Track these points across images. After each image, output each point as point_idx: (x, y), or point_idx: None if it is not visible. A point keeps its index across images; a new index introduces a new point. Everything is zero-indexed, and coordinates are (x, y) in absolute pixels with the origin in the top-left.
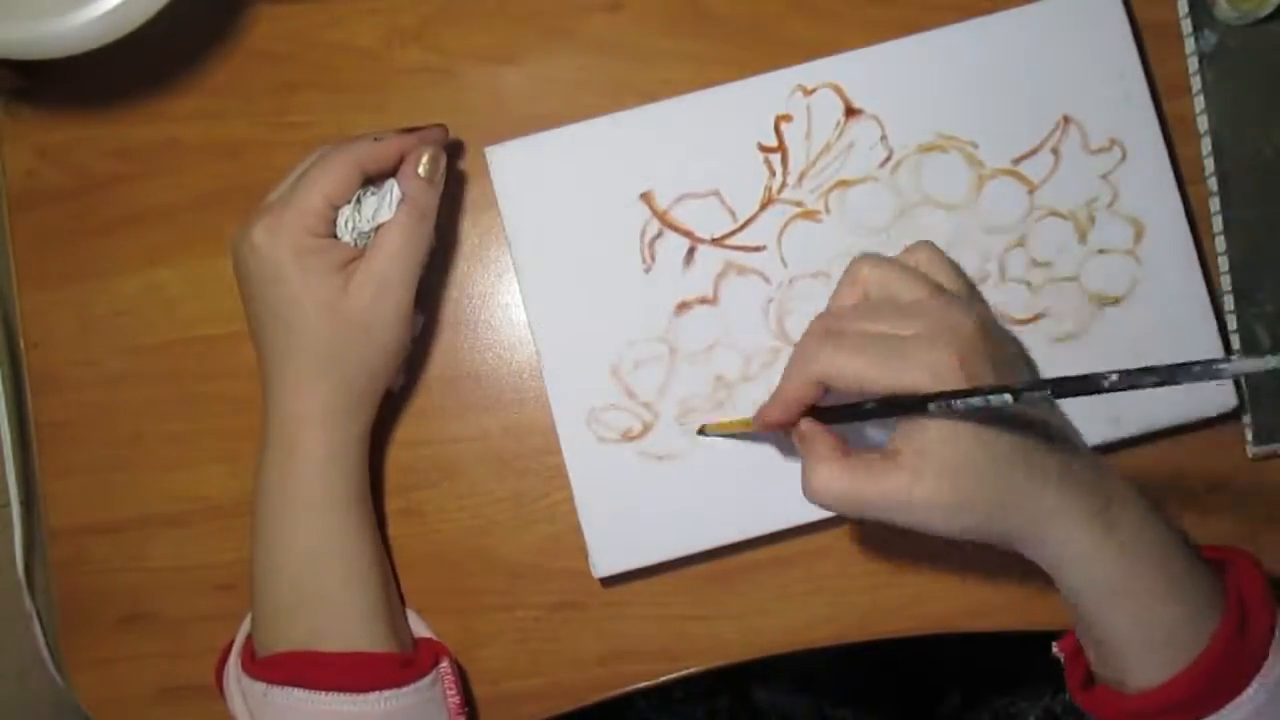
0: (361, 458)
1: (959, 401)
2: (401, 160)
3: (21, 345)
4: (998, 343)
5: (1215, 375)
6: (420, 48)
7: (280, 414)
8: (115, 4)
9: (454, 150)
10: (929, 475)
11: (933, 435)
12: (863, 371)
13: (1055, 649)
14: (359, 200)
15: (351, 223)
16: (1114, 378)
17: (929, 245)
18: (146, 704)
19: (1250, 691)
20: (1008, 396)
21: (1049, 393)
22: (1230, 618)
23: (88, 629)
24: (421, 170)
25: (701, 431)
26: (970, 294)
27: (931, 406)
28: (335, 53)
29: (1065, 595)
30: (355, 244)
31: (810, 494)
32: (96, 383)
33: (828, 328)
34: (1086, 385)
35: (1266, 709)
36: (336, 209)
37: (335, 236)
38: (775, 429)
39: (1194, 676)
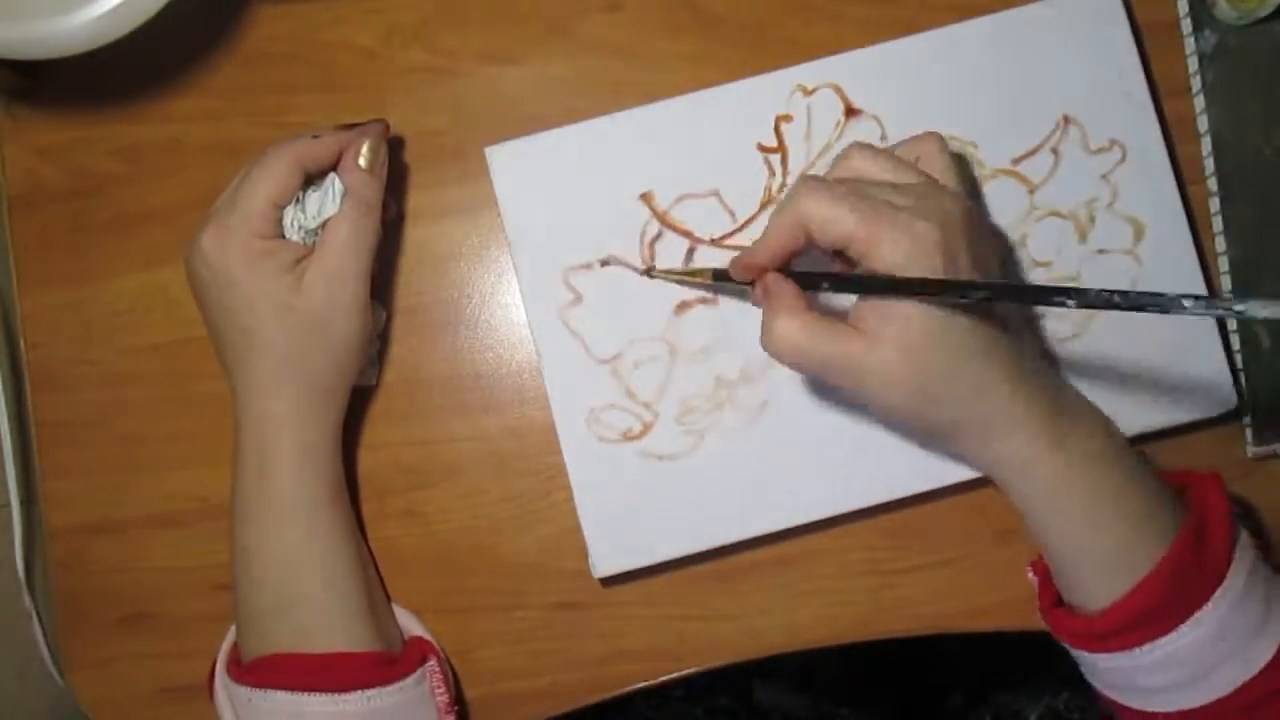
0: (335, 457)
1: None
2: (341, 155)
3: (21, 345)
4: (980, 234)
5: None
6: (420, 48)
7: (249, 418)
8: (115, 4)
9: (395, 143)
10: (886, 345)
11: (897, 309)
12: (846, 221)
13: (1029, 572)
14: (302, 199)
15: (297, 221)
16: (1093, 294)
17: (936, 139)
18: (146, 704)
19: (1207, 609)
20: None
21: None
22: (1185, 536)
23: (87, 629)
24: (362, 161)
25: (648, 272)
26: (964, 190)
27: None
28: (335, 53)
29: (1016, 507)
30: (304, 242)
31: (770, 344)
32: (96, 383)
33: (823, 179)
34: (1065, 295)
35: (1226, 626)
36: (281, 209)
37: (283, 237)
38: (751, 274)
39: (1145, 594)
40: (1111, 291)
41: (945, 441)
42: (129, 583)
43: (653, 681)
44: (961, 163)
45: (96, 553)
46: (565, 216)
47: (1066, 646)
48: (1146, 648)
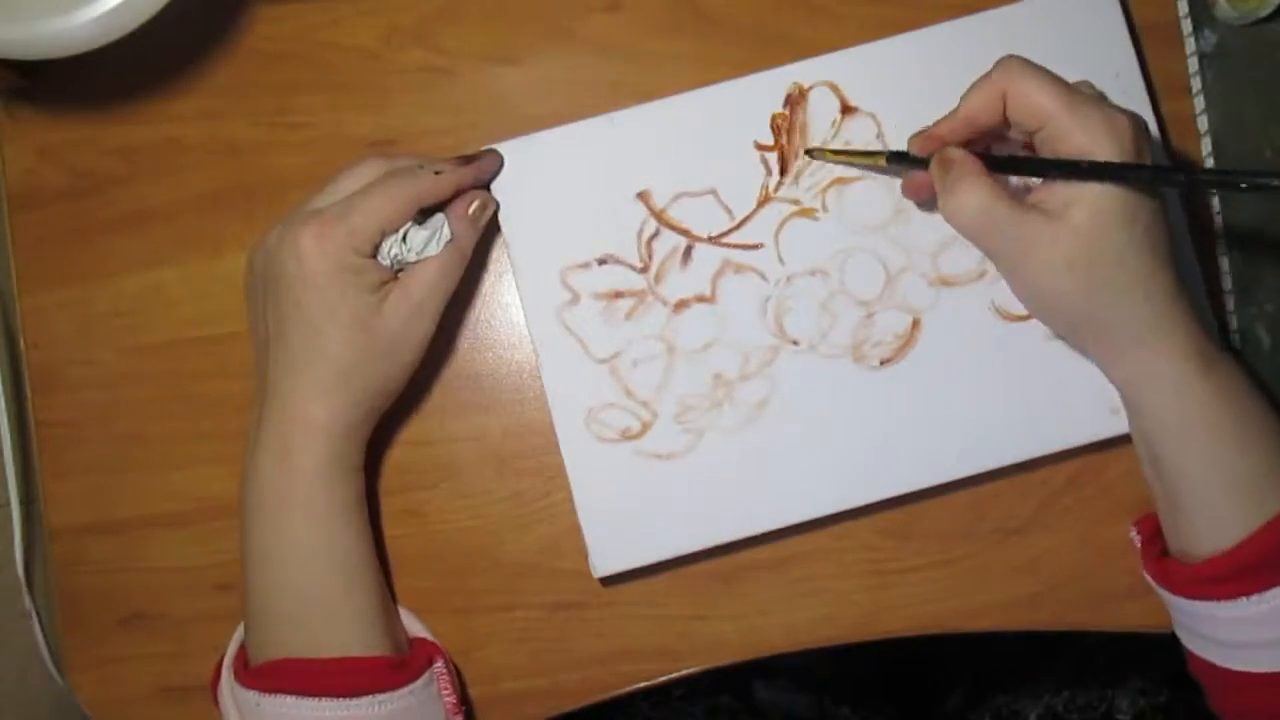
0: (360, 467)
1: (1133, 172)
2: (454, 193)
3: (21, 345)
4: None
5: None
6: (420, 48)
7: (283, 417)
8: (115, 4)
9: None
10: (1068, 223)
11: (1084, 190)
12: (1046, 95)
13: (1133, 531)
14: (406, 232)
15: (395, 250)
16: None
17: (1087, 83)
18: (146, 704)
19: None
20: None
21: (1243, 185)
22: None
23: (88, 629)
24: (471, 212)
25: (810, 153)
26: None
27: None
28: (335, 53)
29: (1143, 434)
30: (390, 268)
31: (951, 206)
32: (96, 383)
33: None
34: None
35: None
36: (386, 236)
37: (373, 257)
38: (932, 147)
39: (1268, 535)
40: None
41: (1094, 339)
42: (129, 583)
43: (653, 681)
44: None
45: (96, 553)
46: (562, 216)
47: (1171, 599)
48: (1256, 598)
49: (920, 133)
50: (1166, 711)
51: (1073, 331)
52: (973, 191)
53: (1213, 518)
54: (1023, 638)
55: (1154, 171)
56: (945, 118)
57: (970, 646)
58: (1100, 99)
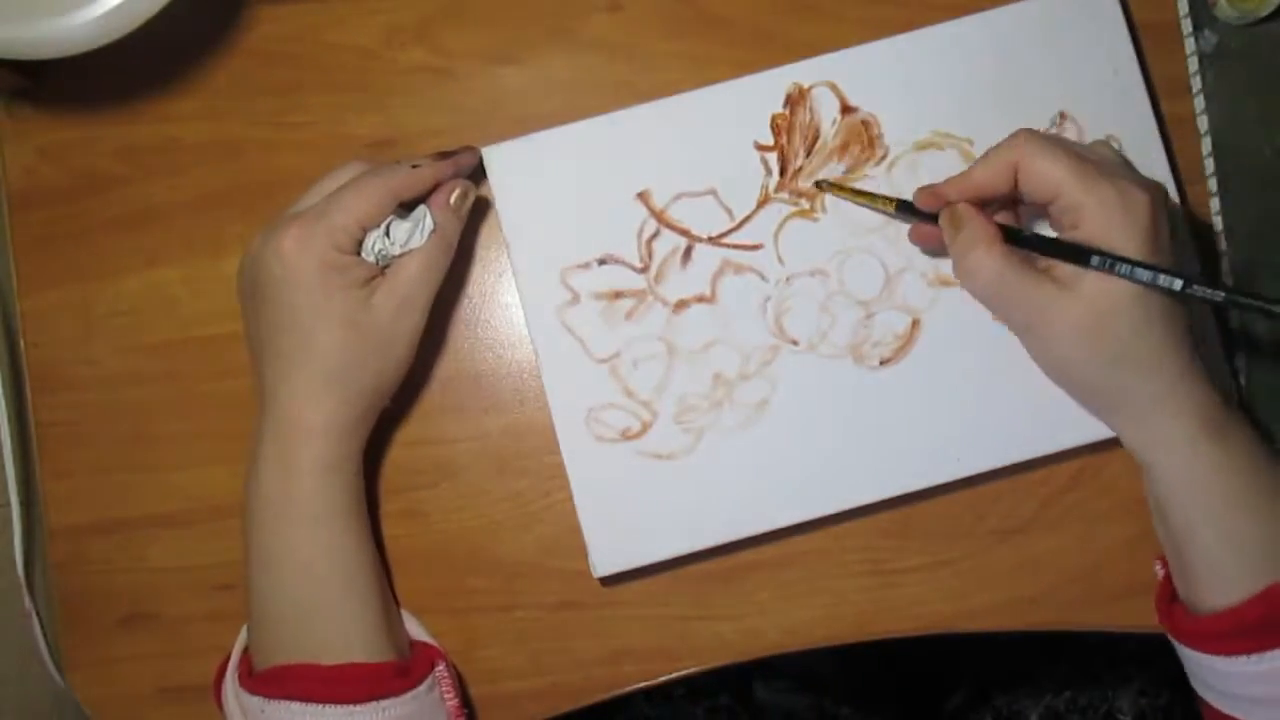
0: (360, 470)
1: (1125, 267)
2: (434, 186)
3: (21, 345)
4: (1170, 221)
5: None
6: (420, 48)
7: (282, 422)
8: (115, 4)
9: (477, 175)
10: (1080, 296)
11: (1092, 270)
12: (1061, 172)
13: (1157, 565)
14: (389, 226)
15: (379, 245)
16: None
17: (1107, 145)
18: (146, 704)
19: None
20: (1178, 282)
21: (1222, 298)
22: None
23: (88, 629)
24: (452, 201)
25: (819, 185)
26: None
27: (1094, 260)
28: (335, 53)
29: (1154, 495)
30: (376, 263)
31: (964, 272)
32: (96, 383)
33: (1042, 132)
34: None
35: None
36: (366, 231)
37: (357, 254)
38: (938, 205)
39: (1271, 597)
40: None
41: (1107, 406)
42: (129, 583)
43: (653, 681)
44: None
45: (96, 553)
46: (562, 216)
47: (1175, 644)
48: (1255, 657)
49: (926, 188)
50: (1167, 712)
51: (1085, 396)
52: (986, 260)
53: (1219, 576)
54: (1023, 638)
55: (1160, 274)
56: (954, 179)
57: (971, 647)
58: (1118, 168)
